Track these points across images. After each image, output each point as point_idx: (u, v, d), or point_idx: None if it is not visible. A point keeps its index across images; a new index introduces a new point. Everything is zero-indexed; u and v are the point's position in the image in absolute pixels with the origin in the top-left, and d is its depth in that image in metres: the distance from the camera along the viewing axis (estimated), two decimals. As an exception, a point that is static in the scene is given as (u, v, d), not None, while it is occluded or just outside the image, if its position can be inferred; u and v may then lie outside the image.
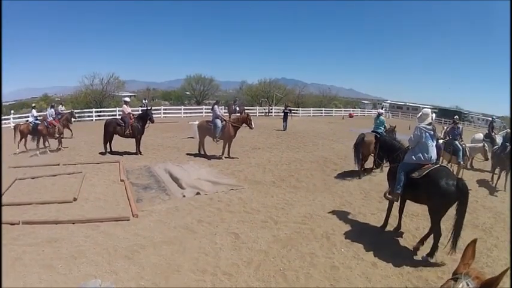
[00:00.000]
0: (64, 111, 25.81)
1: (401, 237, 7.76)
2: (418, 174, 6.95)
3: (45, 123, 19.30)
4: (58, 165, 15.92)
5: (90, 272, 6.77)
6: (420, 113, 7.62)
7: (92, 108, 39.18)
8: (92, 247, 7.83)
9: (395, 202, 7.73)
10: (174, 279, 6.38)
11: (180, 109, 42.21)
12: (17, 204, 11.13)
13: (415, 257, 6.79)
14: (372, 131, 13.67)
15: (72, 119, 24.02)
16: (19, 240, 8.65)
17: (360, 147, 13.34)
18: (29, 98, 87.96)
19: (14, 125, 22.48)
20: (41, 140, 19.33)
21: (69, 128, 23.05)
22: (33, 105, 23.80)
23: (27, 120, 20.36)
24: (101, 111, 36.91)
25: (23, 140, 19.67)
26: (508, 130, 17.10)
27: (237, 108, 23.03)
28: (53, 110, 20.45)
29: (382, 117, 14.92)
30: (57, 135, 19.65)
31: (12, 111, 46.36)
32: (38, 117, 20.13)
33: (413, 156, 7.13)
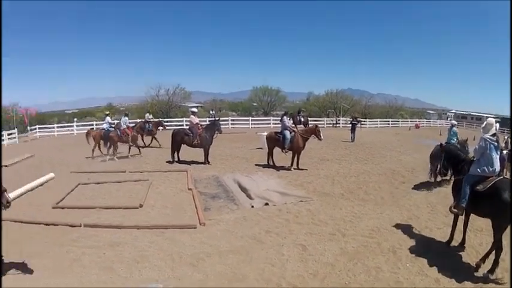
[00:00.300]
0: (151, 120, 26.73)
1: (465, 252, 7.50)
2: (483, 187, 6.67)
3: (118, 132, 20.08)
4: (124, 172, 16.40)
5: (152, 277, 6.92)
6: (485, 123, 7.33)
7: (158, 119, 40.18)
8: (156, 253, 7.98)
9: (460, 216, 7.52)
10: None
11: (248, 120, 42.49)
12: (79, 207, 11.54)
13: (476, 274, 6.54)
14: (446, 143, 13.44)
15: (160, 128, 24.75)
16: (79, 242, 8.93)
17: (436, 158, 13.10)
18: (92, 106, 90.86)
19: (85, 131, 23.55)
20: (114, 146, 20.10)
21: (142, 137, 23.70)
22: (107, 112, 25.03)
23: (103, 128, 21.42)
24: (167, 121, 37.81)
25: (97, 145, 20.88)
26: None
27: (302, 119, 22.96)
28: (126, 118, 21.19)
29: (455, 129, 14.57)
30: (131, 143, 20.45)
31: (75, 119, 48.17)
32: (112, 125, 21.10)
33: (478, 169, 6.83)
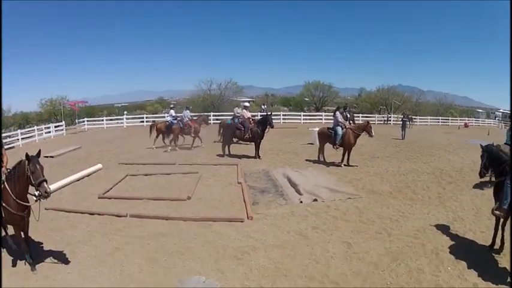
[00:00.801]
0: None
1: (504, 258, 7.32)
2: None
3: (181, 124, 20.86)
4: (174, 164, 16.73)
5: (195, 269, 7.06)
6: None
7: (209, 112, 40.50)
8: (201, 245, 8.16)
9: (501, 219, 7.45)
10: (280, 283, 6.41)
11: (300, 115, 42.57)
12: (126, 198, 11.88)
13: None
14: (505, 143, 13.16)
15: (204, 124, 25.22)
16: (123, 231, 9.25)
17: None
18: (143, 100, 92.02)
19: (151, 123, 25.09)
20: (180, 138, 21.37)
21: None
22: (172, 105, 26.19)
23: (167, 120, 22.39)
24: (219, 116, 38.07)
25: (160, 136, 21.79)
26: None
27: (348, 115, 22.76)
28: (188, 111, 21.86)
29: None
30: (193, 135, 21.12)
31: (125, 112, 49.21)
32: (177, 117, 21.86)
33: None
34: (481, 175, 8.27)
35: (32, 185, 6.90)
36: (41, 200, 7.02)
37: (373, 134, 16.20)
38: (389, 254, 7.29)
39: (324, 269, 6.76)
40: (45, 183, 6.77)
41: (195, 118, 22.66)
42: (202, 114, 29.97)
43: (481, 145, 8.36)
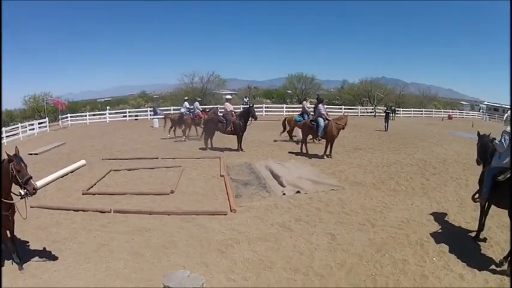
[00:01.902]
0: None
1: (490, 249, 7.44)
2: (503, 176, 6.64)
3: (191, 115, 21.72)
4: (157, 158, 16.81)
5: (179, 263, 7.09)
6: (506, 115, 7.25)
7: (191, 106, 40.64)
8: (185, 239, 8.16)
9: (484, 209, 7.51)
10: (264, 275, 6.42)
11: (282, 107, 42.70)
12: (109, 193, 11.81)
13: (499, 269, 6.52)
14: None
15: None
16: (108, 227, 9.20)
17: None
18: (125, 94, 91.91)
19: (163, 116, 27.02)
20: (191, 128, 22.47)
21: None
22: (186, 98, 26.76)
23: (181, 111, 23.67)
24: (202, 110, 38.42)
25: (173, 127, 22.98)
26: None
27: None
28: (197, 103, 22.37)
29: None
30: (203, 126, 21.11)
31: (108, 107, 49.39)
32: (190, 109, 22.83)
33: (500, 160, 6.84)
34: (478, 163, 8.33)
35: (18, 184, 6.82)
36: (28, 197, 6.94)
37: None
38: (373, 245, 7.32)
39: (308, 260, 6.77)
40: (31, 180, 6.74)
41: (207, 110, 23.04)
42: (213, 106, 31.17)
43: (478, 133, 8.42)
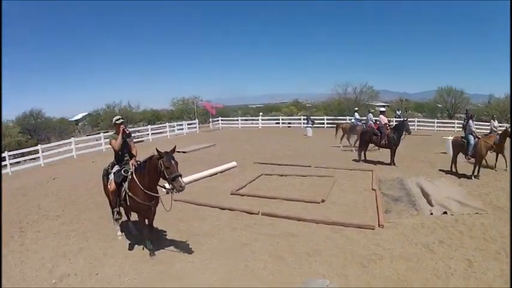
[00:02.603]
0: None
1: None
2: None
3: (364, 126, 21.99)
4: (309, 166, 17.49)
5: (320, 271, 7.40)
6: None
7: (345, 116, 41.21)
8: (330, 248, 8.52)
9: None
10: None
11: (433, 122, 41.58)
12: (259, 196, 12.51)
13: None
14: None
15: None
16: (253, 228, 9.99)
17: None
18: (277, 102, 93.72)
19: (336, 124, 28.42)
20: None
21: None
22: (356, 108, 28.32)
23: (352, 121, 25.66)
24: (375, 121, 38.92)
25: (344, 136, 24.21)
26: None
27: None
28: (371, 114, 22.62)
29: None
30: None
31: (261, 113, 51.23)
32: (361, 120, 24.38)
33: None
34: None
35: (165, 179, 7.55)
36: (173, 193, 7.68)
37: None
38: (503, 276, 7.22)
39: (443, 285, 6.86)
40: (180, 178, 7.36)
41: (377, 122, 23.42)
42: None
43: None
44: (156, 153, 7.74)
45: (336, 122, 32.42)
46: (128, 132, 9.21)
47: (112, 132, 9.72)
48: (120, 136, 8.89)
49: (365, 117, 23.76)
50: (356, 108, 28.43)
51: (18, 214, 12.60)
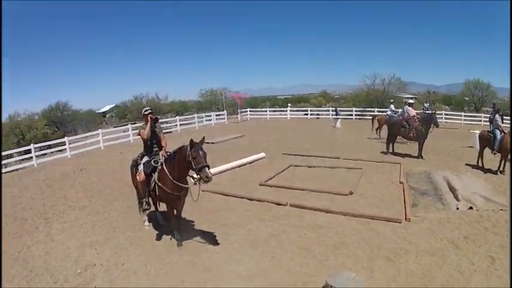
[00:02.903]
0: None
1: None
2: None
3: (400, 118, 21.29)
4: (338, 158, 17.65)
5: (346, 264, 7.52)
6: None
7: (373, 108, 41.61)
8: (357, 241, 8.65)
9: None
10: None
11: (461, 115, 41.38)
12: (288, 187, 12.69)
13: None
14: None
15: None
16: (281, 219, 10.13)
17: None
18: (306, 93, 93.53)
19: (372, 115, 28.70)
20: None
21: None
22: (391, 101, 28.29)
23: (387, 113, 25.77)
24: (382, 111, 38.80)
25: (380, 128, 24.66)
26: None
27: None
28: (407, 106, 21.95)
29: None
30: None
31: (289, 104, 51.61)
32: (396, 112, 24.64)
33: None
34: None
35: (193, 169, 7.63)
36: (201, 183, 7.73)
37: None
38: None
39: (465, 282, 6.88)
40: (206, 168, 7.45)
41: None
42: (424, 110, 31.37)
43: None
44: (185, 144, 7.90)
45: (371, 114, 32.26)
46: (155, 118, 9.34)
47: (141, 124, 9.89)
48: (148, 125, 9.10)
49: (400, 109, 23.69)
50: (391, 100, 28.43)
51: (44, 205, 12.85)
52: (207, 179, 7.44)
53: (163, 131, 9.84)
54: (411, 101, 21.83)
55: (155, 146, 9.28)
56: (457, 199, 11.80)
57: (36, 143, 23.75)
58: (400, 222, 9.76)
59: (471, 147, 20.88)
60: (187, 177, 8.43)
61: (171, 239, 8.88)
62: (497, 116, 16.09)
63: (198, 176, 7.61)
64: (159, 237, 9.20)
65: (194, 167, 7.53)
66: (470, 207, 11.10)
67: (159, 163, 8.59)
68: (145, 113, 9.23)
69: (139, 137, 9.45)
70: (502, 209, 11.00)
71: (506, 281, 6.97)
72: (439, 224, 9.75)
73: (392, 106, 26.02)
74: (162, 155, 8.89)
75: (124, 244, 9.06)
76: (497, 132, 15.75)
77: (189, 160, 7.61)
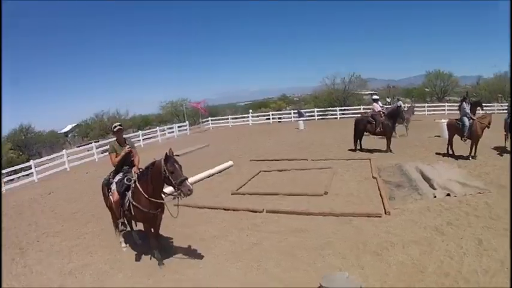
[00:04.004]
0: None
1: None
2: None
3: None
4: (307, 160, 17.55)
5: (335, 264, 7.35)
6: None
7: (335, 107, 41.94)
8: (341, 240, 8.47)
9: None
10: (416, 279, 6.56)
11: (424, 106, 41.94)
12: (261, 194, 12.47)
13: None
14: None
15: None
16: (260, 227, 9.88)
17: None
18: (265, 97, 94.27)
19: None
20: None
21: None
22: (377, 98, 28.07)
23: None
24: (344, 110, 38.85)
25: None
26: None
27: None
28: (400, 102, 22.75)
29: None
30: (405, 125, 22.95)
31: (251, 111, 51.83)
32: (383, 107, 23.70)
33: None
34: None
35: (171, 185, 7.30)
36: (181, 198, 7.40)
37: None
38: None
39: (457, 265, 6.87)
40: (187, 181, 7.20)
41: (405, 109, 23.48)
42: (411, 105, 32.76)
43: None
44: (156, 159, 7.64)
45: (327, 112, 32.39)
46: (125, 141, 9.01)
47: (109, 140, 9.55)
48: (121, 154, 8.70)
49: (389, 106, 24.00)
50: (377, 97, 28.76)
51: (17, 234, 12.22)
52: (189, 192, 7.15)
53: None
54: (376, 96, 22.03)
55: (127, 163, 8.89)
56: (433, 187, 11.83)
57: (1, 169, 23.01)
58: (380, 217, 9.74)
59: (438, 136, 21.27)
60: (163, 194, 8.12)
61: (151, 258, 8.50)
62: (464, 103, 16.25)
63: (177, 190, 7.28)
64: (138, 258, 8.78)
65: (173, 182, 7.20)
66: (448, 194, 11.15)
67: (132, 181, 8.17)
68: (115, 129, 8.85)
69: (105, 154, 9.14)
70: (480, 192, 11.10)
71: (497, 259, 7.01)
72: (420, 213, 9.78)
73: (400, 103, 25.79)
74: (134, 172, 8.43)
75: (104, 268, 8.61)
76: (465, 119, 15.93)
77: (165, 175, 7.26)
